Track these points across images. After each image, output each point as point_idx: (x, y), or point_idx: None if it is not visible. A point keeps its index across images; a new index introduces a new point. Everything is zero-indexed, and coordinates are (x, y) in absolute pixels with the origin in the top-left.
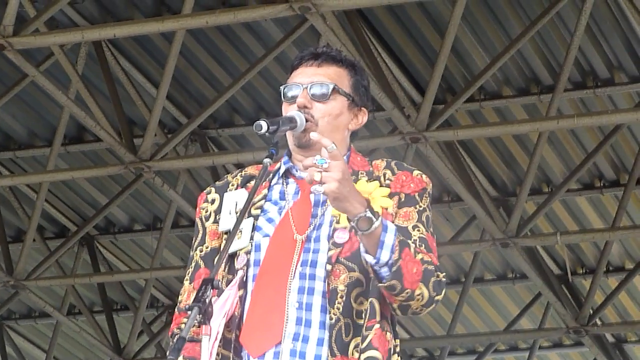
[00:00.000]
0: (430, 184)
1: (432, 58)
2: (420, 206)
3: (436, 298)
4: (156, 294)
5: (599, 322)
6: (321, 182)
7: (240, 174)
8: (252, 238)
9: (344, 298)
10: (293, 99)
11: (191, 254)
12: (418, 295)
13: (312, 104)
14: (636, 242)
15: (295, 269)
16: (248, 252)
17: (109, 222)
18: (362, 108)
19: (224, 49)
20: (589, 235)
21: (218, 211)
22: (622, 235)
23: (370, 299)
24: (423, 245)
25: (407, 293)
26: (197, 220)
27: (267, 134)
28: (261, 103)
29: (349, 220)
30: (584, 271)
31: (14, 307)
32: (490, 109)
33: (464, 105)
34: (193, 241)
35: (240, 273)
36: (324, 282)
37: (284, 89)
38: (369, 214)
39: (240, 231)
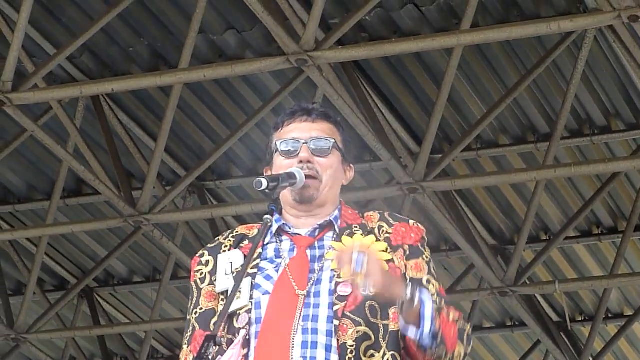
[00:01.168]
0: (425, 232)
1: (428, 108)
2: (426, 257)
3: (468, 350)
4: (156, 346)
5: None
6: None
7: (231, 235)
8: (251, 297)
9: (354, 353)
10: (291, 154)
11: (187, 317)
12: (457, 355)
13: (313, 159)
14: (635, 289)
15: (297, 324)
16: (249, 311)
17: (109, 275)
18: (350, 164)
19: (221, 101)
20: (588, 283)
21: (213, 272)
22: (621, 282)
23: (384, 352)
24: (443, 300)
25: (450, 356)
26: (192, 284)
27: (267, 190)
28: (259, 154)
29: (395, 306)
30: (583, 318)
31: None
32: (487, 157)
33: (461, 155)
34: (189, 305)
35: (242, 332)
36: (327, 336)
37: (279, 143)
38: (409, 294)
39: (239, 291)
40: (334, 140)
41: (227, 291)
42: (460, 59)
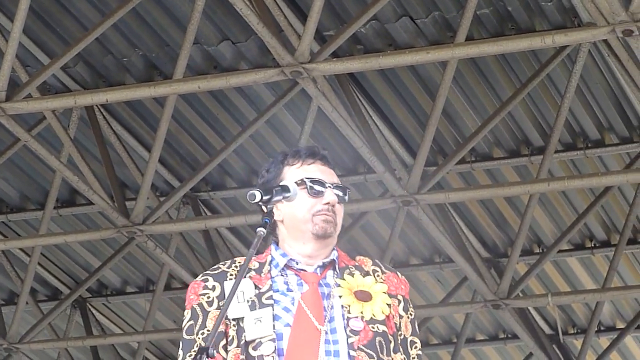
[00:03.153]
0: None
1: (423, 120)
2: (411, 314)
3: None
4: (149, 357)
5: None
6: None
7: (233, 265)
8: (274, 327)
9: None
10: (319, 194)
11: (188, 337)
12: None
13: (335, 204)
14: (627, 302)
15: (321, 358)
16: (273, 340)
17: (102, 285)
18: None
19: (216, 112)
20: (581, 296)
21: (221, 298)
22: (613, 295)
23: None
24: None
25: None
26: (196, 306)
27: (260, 203)
28: (253, 166)
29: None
30: (575, 331)
31: None
32: (481, 170)
33: (455, 167)
34: (188, 325)
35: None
36: None
37: (307, 181)
38: None
39: (260, 320)
40: (348, 190)
41: (242, 318)
42: (455, 72)
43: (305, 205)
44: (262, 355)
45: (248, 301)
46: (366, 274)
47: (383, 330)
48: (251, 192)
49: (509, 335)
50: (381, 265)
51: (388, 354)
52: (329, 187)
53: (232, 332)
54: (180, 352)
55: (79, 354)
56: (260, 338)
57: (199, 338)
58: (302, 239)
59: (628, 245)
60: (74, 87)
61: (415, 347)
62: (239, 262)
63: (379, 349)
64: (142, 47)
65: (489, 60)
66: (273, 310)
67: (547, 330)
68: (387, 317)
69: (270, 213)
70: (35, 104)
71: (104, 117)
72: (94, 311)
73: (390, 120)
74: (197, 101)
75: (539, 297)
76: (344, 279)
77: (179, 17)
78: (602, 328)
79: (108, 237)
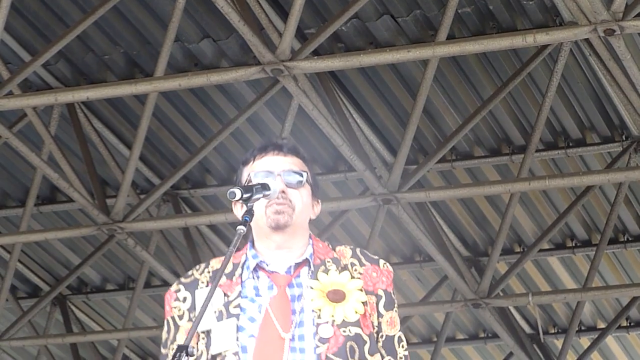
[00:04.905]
0: (393, 273)
1: (403, 119)
2: (396, 305)
3: None
4: (129, 354)
5: None
6: None
7: (206, 269)
8: (237, 339)
9: None
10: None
11: (163, 351)
12: None
13: (287, 191)
14: (608, 302)
15: None
16: (236, 354)
17: (82, 282)
18: (318, 199)
19: (196, 110)
20: (561, 295)
21: (192, 309)
22: (594, 295)
23: None
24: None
25: None
26: (169, 319)
27: (240, 201)
28: (233, 164)
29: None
30: (556, 331)
31: None
32: (462, 169)
33: (436, 166)
34: (164, 338)
35: None
36: None
37: (253, 175)
38: None
39: (224, 332)
40: (306, 174)
41: (209, 331)
42: (435, 71)
43: (255, 202)
44: None
45: (216, 312)
46: (343, 268)
47: (356, 333)
48: (231, 190)
49: (490, 335)
50: (361, 257)
51: (362, 357)
52: (278, 175)
53: (201, 346)
54: None
55: (59, 351)
56: (225, 351)
57: (169, 351)
58: (264, 234)
59: (609, 245)
60: (55, 85)
61: (402, 346)
62: (212, 267)
63: (349, 355)
64: (123, 45)
65: (470, 59)
66: (238, 320)
67: (528, 329)
68: (363, 315)
69: (250, 211)
70: (16, 101)
71: (85, 114)
72: (74, 308)
73: (371, 118)
74: (178, 99)
75: (520, 297)
76: (317, 279)
77: (160, 15)
78: (582, 328)
79: (88, 234)
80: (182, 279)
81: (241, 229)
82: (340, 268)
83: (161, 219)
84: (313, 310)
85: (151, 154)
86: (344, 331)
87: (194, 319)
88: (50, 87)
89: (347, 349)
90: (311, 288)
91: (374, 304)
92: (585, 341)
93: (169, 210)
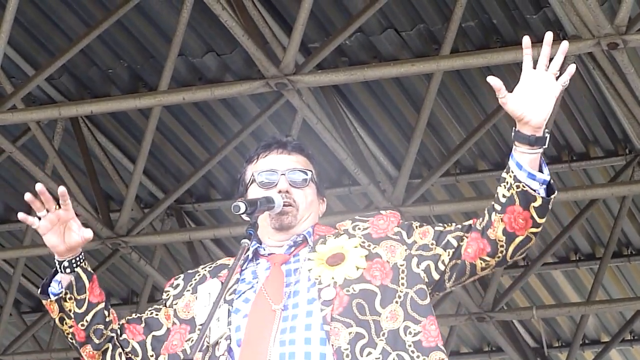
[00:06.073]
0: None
1: (408, 133)
2: (415, 224)
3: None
4: None
5: None
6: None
7: (212, 264)
8: (229, 323)
9: (349, 357)
10: (269, 185)
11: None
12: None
13: (291, 190)
14: (612, 315)
15: (275, 337)
16: (227, 337)
17: None
18: (323, 197)
19: (201, 124)
20: (565, 309)
21: (178, 296)
22: (598, 309)
23: (382, 349)
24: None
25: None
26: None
27: (245, 215)
28: (237, 178)
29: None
30: (560, 344)
31: None
32: (466, 183)
33: (440, 180)
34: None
35: (222, 359)
36: (321, 344)
37: (256, 174)
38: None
39: (218, 319)
40: (310, 172)
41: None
42: (439, 84)
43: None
44: (218, 355)
45: (208, 305)
46: (338, 235)
47: (361, 290)
48: (236, 203)
49: (494, 349)
50: (362, 217)
51: (373, 313)
52: (282, 174)
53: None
54: None
55: None
56: (219, 338)
57: (144, 315)
58: (267, 233)
59: (613, 258)
60: (59, 99)
61: (443, 226)
62: (217, 263)
63: (357, 312)
64: (127, 59)
65: (474, 72)
66: (231, 305)
67: (532, 343)
68: (366, 269)
69: (254, 224)
70: (20, 115)
71: (89, 128)
72: None
73: (375, 132)
74: (182, 113)
75: (524, 310)
76: (315, 251)
77: (164, 29)
78: (586, 341)
79: (92, 248)
80: (189, 271)
81: (245, 242)
82: (337, 235)
83: (165, 233)
84: (314, 279)
85: (155, 168)
86: (348, 290)
87: (175, 305)
88: (54, 101)
89: (355, 308)
90: (309, 260)
91: (400, 241)
92: (589, 355)
93: (173, 224)
